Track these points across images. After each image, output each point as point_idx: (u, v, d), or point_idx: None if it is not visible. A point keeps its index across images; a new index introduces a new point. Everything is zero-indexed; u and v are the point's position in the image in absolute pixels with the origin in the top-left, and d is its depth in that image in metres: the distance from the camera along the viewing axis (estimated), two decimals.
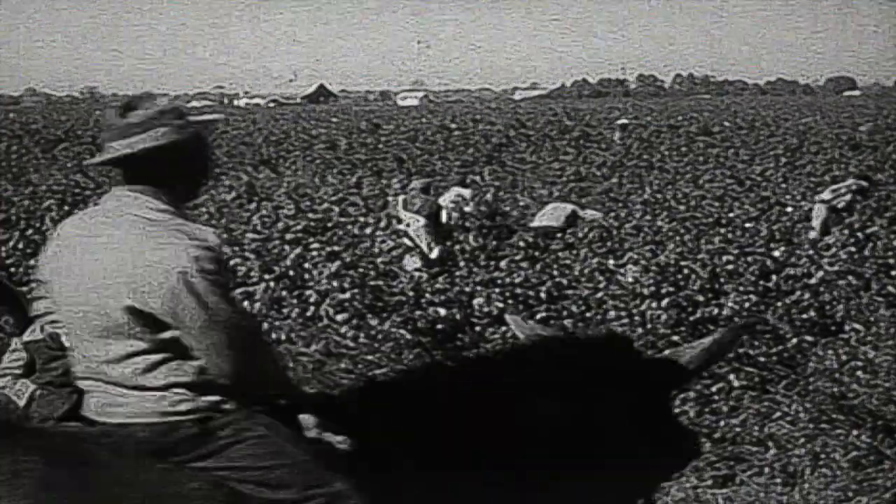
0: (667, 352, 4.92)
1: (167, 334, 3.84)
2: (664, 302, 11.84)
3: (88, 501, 3.84)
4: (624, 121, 46.37)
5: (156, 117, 3.97)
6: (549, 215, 18.43)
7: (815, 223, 17.63)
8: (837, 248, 15.05)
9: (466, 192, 18.81)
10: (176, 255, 3.76)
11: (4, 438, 3.92)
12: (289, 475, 3.89)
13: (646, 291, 12.10)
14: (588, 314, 11.98)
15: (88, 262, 3.89)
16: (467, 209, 17.97)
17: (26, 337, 6.84)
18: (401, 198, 17.19)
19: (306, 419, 4.02)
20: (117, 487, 3.85)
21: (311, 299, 12.10)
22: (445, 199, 17.78)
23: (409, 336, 11.06)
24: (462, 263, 15.06)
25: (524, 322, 5.30)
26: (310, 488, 3.90)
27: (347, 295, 12.05)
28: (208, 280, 3.77)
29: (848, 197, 17.92)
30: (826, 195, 18.24)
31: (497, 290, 12.68)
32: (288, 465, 3.91)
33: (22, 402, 6.74)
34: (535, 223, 18.21)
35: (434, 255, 15.75)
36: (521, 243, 16.29)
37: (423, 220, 16.07)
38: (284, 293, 12.33)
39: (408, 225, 16.16)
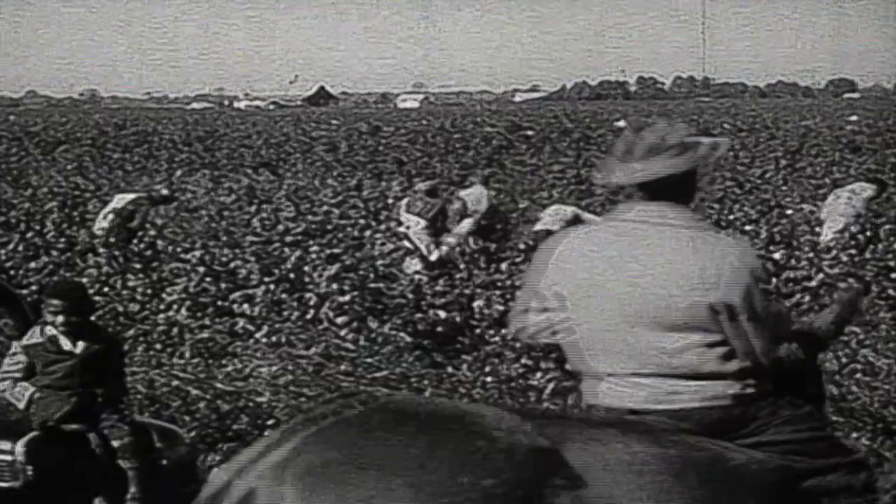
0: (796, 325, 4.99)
1: (734, 324, 4.13)
2: None
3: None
4: (622, 124, 46.43)
5: (677, 143, 4.26)
6: (551, 218, 18.43)
7: (829, 228, 17.29)
8: (838, 251, 15.05)
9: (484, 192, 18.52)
10: (744, 253, 4.23)
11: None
12: (823, 446, 4.27)
13: None
14: None
15: (635, 267, 4.13)
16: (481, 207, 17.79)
17: (26, 340, 6.84)
18: (404, 200, 17.19)
19: None
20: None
21: (311, 302, 12.10)
22: (470, 198, 17.58)
23: (409, 338, 11.06)
24: (462, 266, 15.06)
25: None
26: (833, 457, 4.27)
27: (347, 297, 12.04)
28: (757, 273, 4.24)
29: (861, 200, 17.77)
30: (842, 200, 17.98)
31: (497, 292, 12.68)
32: (821, 437, 4.32)
33: (21, 405, 6.75)
34: (538, 227, 18.21)
35: (434, 257, 15.75)
36: (522, 245, 16.29)
37: (423, 223, 16.06)
38: (284, 296, 12.33)
39: (408, 227, 16.16)
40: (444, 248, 16.02)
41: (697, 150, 4.26)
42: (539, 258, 4.42)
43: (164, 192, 18.48)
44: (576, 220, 18.14)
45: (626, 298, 4.12)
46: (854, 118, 53.13)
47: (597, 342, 4.20)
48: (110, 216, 16.02)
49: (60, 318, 6.65)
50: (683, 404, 4.13)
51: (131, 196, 16.90)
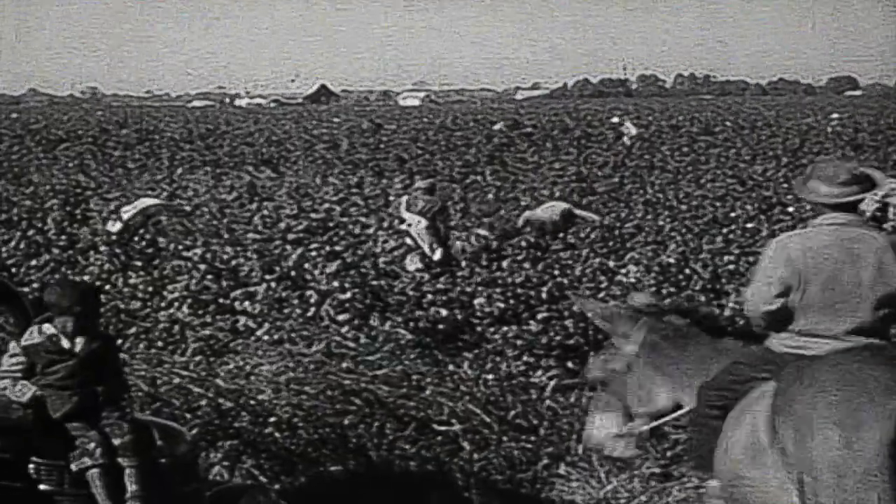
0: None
1: None
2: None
3: None
4: (616, 120, 46.57)
5: (860, 175, 5.78)
6: (543, 210, 18.57)
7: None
8: None
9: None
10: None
11: None
12: None
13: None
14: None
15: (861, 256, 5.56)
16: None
17: (24, 341, 6.82)
18: (404, 198, 17.16)
19: None
20: None
21: (313, 299, 12.09)
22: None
23: (410, 336, 11.06)
24: (464, 263, 15.05)
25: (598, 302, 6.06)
26: None
27: (348, 295, 12.04)
28: None
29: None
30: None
31: (498, 290, 12.67)
32: None
33: (25, 399, 6.73)
34: (526, 214, 18.42)
35: (437, 255, 15.74)
36: (523, 243, 16.28)
37: (425, 222, 16.05)
38: (286, 293, 12.32)
39: (409, 225, 16.15)
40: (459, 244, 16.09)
41: (873, 180, 5.79)
42: (773, 257, 5.69)
43: (187, 208, 18.71)
44: (571, 216, 18.24)
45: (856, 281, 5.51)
46: (835, 116, 53.08)
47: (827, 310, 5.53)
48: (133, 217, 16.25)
49: (70, 321, 6.63)
50: None
51: (152, 201, 17.03)
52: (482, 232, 17.40)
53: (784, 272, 5.53)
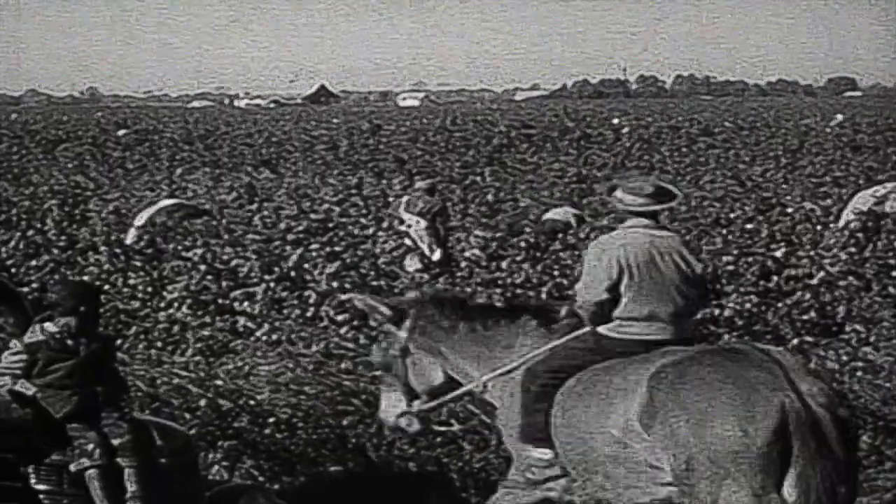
0: None
1: None
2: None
3: None
4: (616, 122, 46.81)
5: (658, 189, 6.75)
6: (555, 213, 18.81)
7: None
8: (838, 249, 15.05)
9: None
10: None
11: None
12: None
13: None
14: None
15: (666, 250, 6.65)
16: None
17: (27, 338, 6.84)
18: (403, 199, 17.15)
19: None
20: None
21: (312, 300, 12.10)
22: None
23: None
24: (463, 264, 15.05)
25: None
26: None
27: (348, 295, 12.03)
28: None
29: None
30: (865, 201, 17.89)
31: (498, 290, 12.67)
32: None
33: (30, 393, 6.74)
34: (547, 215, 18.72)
35: (436, 256, 15.73)
36: (523, 244, 16.28)
37: (424, 222, 16.03)
38: (285, 294, 12.32)
39: (409, 226, 16.13)
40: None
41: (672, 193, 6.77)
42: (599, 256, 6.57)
43: (207, 206, 18.82)
44: (581, 219, 18.46)
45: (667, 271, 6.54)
46: (839, 117, 53.07)
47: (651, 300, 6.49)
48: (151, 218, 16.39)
49: (73, 321, 6.64)
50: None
51: (171, 202, 17.13)
52: (480, 233, 17.41)
53: (611, 268, 6.47)
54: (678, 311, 6.55)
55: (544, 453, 6.49)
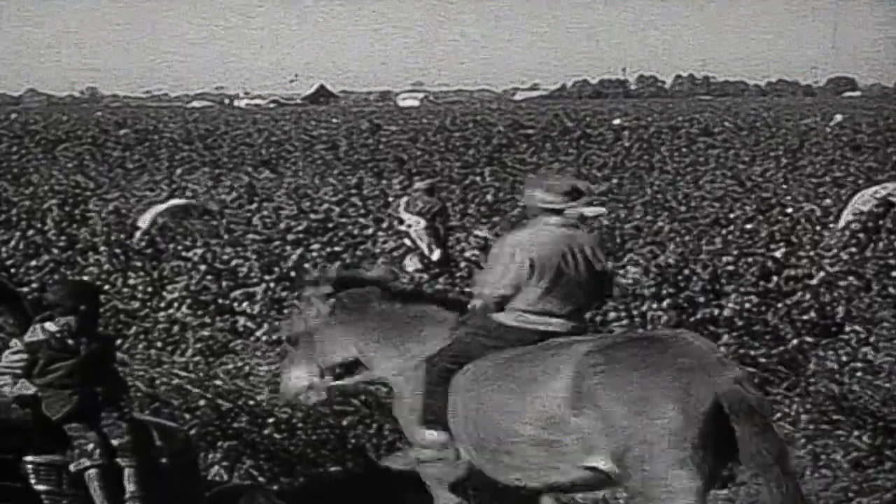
0: None
1: None
2: (665, 303, 11.84)
3: None
4: (618, 122, 46.76)
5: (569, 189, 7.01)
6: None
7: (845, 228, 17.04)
8: (838, 249, 15.04)
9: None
10: None
11: None
12: None
13: (646, 292, 12.09)
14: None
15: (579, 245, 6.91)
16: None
17: (28, 338, 6.84)
18: (403, 199, 17.16)
19: None
20: None
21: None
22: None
23: None
24: (463, 264, 15.05)
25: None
26: None
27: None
28: None
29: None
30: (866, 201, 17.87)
31: None
32: None
33: (31, 391, 6.74)
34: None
35: (435, 256, 15.73)
36: None
37: (424, 222, 16.04)
38: (285, 294, 12.32)
39: (409, 226, 16.14)
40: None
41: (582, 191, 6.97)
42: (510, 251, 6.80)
43: (214, 207, 18.82)
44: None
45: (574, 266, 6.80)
46: (838, 117, 53.07)
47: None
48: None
49: (74, 321, 6.64)
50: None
51: (180, 202, 17.13)
52: (480, 233, 17.38)
53: (523, 267, 6.67)
54: (580, 306, 6.88)
55: (440, 436, 6.71)
